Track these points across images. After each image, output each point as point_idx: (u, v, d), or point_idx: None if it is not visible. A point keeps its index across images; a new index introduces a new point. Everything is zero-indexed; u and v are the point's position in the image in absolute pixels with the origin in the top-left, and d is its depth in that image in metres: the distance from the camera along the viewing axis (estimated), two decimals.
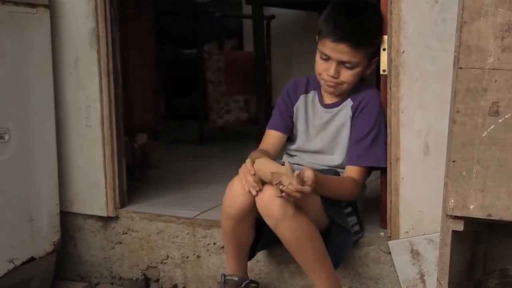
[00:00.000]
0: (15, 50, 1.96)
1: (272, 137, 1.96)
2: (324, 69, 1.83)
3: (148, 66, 2.80)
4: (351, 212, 1.82)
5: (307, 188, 1.57)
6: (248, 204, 1.68)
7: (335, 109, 1.90)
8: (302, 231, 1.65)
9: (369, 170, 1.88)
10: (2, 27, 1.91)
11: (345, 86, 1.84)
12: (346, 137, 1.88)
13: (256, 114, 3.80)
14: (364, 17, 1.82)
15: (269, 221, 1.63)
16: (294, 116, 1.96)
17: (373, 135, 1.82)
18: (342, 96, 1.90)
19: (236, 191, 1.69)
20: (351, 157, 1.84)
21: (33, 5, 2.02)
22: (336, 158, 1.90)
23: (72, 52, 2.16)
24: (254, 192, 1.63)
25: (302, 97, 1.95)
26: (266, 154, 1.85)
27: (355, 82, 1.85)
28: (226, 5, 5.05)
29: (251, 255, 1.87)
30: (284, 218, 1.61)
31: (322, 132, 1.91)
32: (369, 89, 1.89)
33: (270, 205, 1.61)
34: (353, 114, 1.86)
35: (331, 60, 1.80)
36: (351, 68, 1.81)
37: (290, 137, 1.99)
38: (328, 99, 1.92)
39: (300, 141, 1.95)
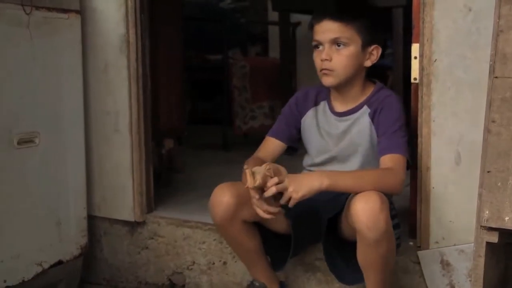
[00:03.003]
0: (46, 55, 1.98)
1: (272, 145, 1.89)
2: (318, 58, 1.77)
3: (176, 72, 2.81)
4: (397, 225, 1.77)
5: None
6: (228, 211, 1.71)
7: (350, 117, 1.82)
8: (394, 248, 1.63)
9: (406, 163, 1.74)
10: (35, 31, 1.93)
11: (340, 71, 1.76)
12: (365, 145, 1.79)
13: None
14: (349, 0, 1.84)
15: (371, 233, 1.54)
16: (301, 129, 1.90)
17: (397, 127, 1.73)
18: (352, 101, 1.82)
19: (214, 200, 1.74)
20: (380, 150, 1.74)
21: (65, 11, 2.05)
22: (350, 165, 1.82)
23: (102, 57, 2.18)
24: (268, 216, 1.64)
25: (311, 110, 1.88)
26: (262, 163, 1.79)
27: (350, 69, 1.76)
28: (251, 11, 5.06)
29: (280, 264, 1.85)
30: (388, 231, 1.56)
31: (341, 142, 1.83)
32: (384, 92, 1.81)
33: (378, 217, 1.53)
34: (372, 119, 1.78)
35: (322, 46, 1.76)
36: (342, 47, 1.74)
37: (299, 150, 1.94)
38: (340, 107, 1.84)
39: (319, 153, 1.87)
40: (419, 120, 1.77)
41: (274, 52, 4.30)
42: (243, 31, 5.00)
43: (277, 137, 1.90)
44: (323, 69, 1.77)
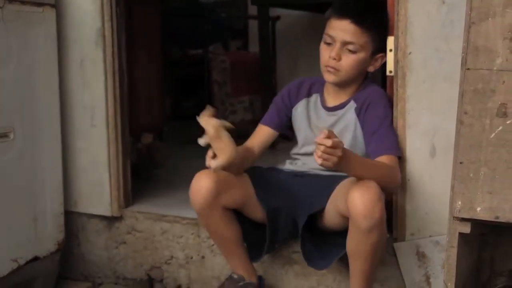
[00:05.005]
0: (21, 49, 1.96)
1: (262, 133, 1.93)
2: (327, 54, 1.78)
3: (154, 66, 2.79)
4: None
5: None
6: (208, 197, 1.71)
7: (339, 112, 1.85)
8: (384, 239, 1.63)
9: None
10: (9, 26, 1.90)
11: (344, 73, 1.78)
12: (348, 139, 1.81)
13: (262, 115, 3.78)
14: (371, 3, 1.82)
15: (365, 222, 1.54)
16: (292, 118, 1.93)
17: (387, 124, 1.76)
18: (344, 96, 1.85)
19: (194, 186, 1.74)
20: (374, 150, 1.74)
21: (39, 4, 2.02)
22: None
23: (78, 51, 2.16)
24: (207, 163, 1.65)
25: (303, 101, 1.91)
26: (249, 151, 1.86)
27: (355, 73, 1.80)
28: (231, 6, 5.05)
29: (257, 255, 1.86)
30: (381, 222, 1.57)
31: None
32: (371, 87, 1.85)
33: (374, 207, 1.54)
34: (358, 115, 1.81)
35: (335, 43, 1.77)
36: (353, 52, 1.76)
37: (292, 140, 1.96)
38: (331, 102, 1.88)
39: (305, 144, 1.91)
40: (394, 112, 1.78)
41: (254, 46, 4.29)
42: (224, 25, 4.98)
43: (267, 124, 1.94)
44: (328, 66, 1.79)
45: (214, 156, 1.64)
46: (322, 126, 1.86)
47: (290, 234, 1.84)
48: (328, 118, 1.87)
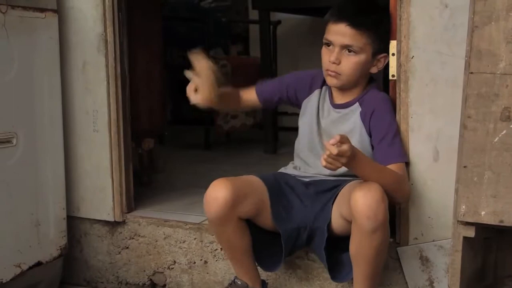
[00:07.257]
0: (23, 54, 1.96)
1: (250, 94, 1.95)
2: (327, 58, 1.77)
3: (156, 71, 2.79)
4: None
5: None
6: (224, 208, 1.68)
7: (342, 111, 1.83)
8: (387, 241, 1.63)
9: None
10: (11, 31, 1.91)
11: (345, 77, 1.77)
12: (354, 144, 1.71)
13: (262, 119, 3.79)
14: (368, 4, 1.81)
15: (368, 224, 1.54)
16: (301, 109, 1.91)
17: (394, 130, 1.75)
18: (349, 97, 1.83)
19: (210, 196, 1.71)
20: (383, 158, 1.72)
21: (41, 10, 2.03)
22: None
23: (80, 56, 2.16)
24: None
25: (317, 92, 1.88)
26: (236, 94, 1.94)
27: (356, 75, 1.78)
28: (232, 10, 5.06)
29: (270, 267, 1.85)
30: (385, 223, 1.56)
31: (331, 130, 1.83)
32: (375, 91, 1.83)
33: (377, 207, 1.54)
34: (363, 121, 1.79)
35: (334, 46, 1.76)
36: (353, 54, 1.74)
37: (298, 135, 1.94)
38: (338, 99, 1.85)
39: (311, 138, 1.87)
40: (397, 116, 1.77)
41: (255, 51, 4.30)
42: (225, 30, 4.99)
43: (258, 91, 1.95)
44: (329, 70, 1.78)
45: (196, 91, 1.71)
46: (327, 120, 1.85)
47: (304, 245, 1.83)
48: (332, 113, 1.85)
